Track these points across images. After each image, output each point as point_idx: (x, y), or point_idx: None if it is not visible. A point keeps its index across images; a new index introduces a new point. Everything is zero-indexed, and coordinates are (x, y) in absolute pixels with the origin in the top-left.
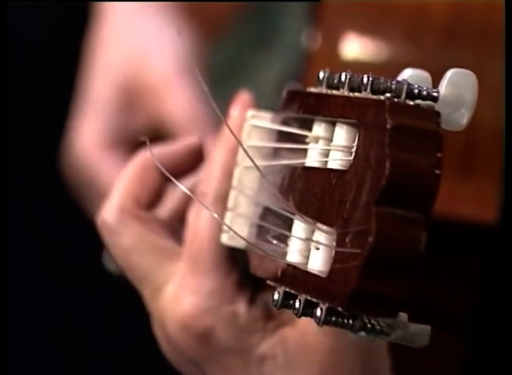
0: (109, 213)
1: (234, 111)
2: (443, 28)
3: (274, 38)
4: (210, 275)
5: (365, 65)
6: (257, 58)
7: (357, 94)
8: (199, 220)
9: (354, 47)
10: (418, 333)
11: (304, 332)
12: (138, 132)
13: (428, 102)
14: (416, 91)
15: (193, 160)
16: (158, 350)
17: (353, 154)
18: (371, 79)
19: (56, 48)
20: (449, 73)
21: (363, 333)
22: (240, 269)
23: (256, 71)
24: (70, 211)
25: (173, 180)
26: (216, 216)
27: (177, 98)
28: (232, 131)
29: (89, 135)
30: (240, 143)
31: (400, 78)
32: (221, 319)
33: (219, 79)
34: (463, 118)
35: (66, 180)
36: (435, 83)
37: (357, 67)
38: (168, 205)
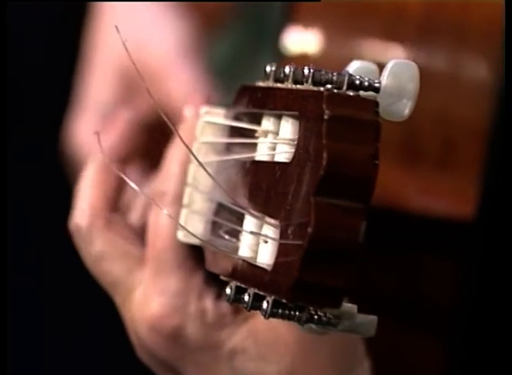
0: (81, 218)
1: (188, 111)
2: (420, 25)
3: (266, 35)
4: (175, 274)
5: (343, 63)
6: (254, 53)
7: (299, 86)
8: (159, 220)
9: (332, 45)
10: (366, 324)
11: (274, 323)
12: (141, 117)
13: (371, 93)
14: (357, 82)
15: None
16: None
17: (295, 146)
18: (312, 71)
19: (55, 47)
20: (390, 63)
21: (311, 325)
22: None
23: (255, 66)
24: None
25: (131, 184)
26: (169, 214)
27: (177, 80)
28: (180, 137)
29: (85, 131)
30: (186, 145)
31: (344, 70)
32: (189, 318)
33: (218, 74)
34: (405, 108)
35: (67, 175)
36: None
37: (334, 65)
38: (137, 209)
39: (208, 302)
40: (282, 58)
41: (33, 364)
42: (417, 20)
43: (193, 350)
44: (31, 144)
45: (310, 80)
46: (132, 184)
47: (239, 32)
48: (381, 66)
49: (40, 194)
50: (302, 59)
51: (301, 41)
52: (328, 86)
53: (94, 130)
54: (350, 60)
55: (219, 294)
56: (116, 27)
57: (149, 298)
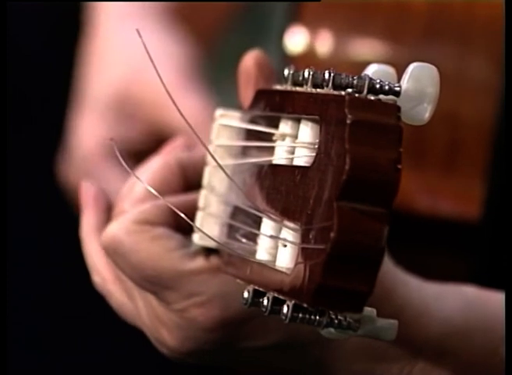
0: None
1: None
2: (425, 25)
3: (269, 35)
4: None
5: (347, 63)
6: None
7: (319, 90)
8: None
9: (336, 45)
10: (386, 328)
11: None
12: (133, 143)
13: (391, 97)
14: (378, 85)
15: None
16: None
17: (316, 150)
18: (332, 74)
19: (53, 52)
20: (411, 67)
21: (330, 329)
22: None
23: None
24: (67, 214)
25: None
26: (187, 218)
27: (181, 105)
28: (201, 140)
29: (89, 138)
30: (205, 146)
31: (363, 73)
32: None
33: (216, 79)
34: (425, 112)
35: (63, 185)
36: None
37: (338, 65)
38: None
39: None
40: (285, 59)
41: (33, 364)
42: (422, 20)
43: (246, 320)
44: (31, 146)
45: (330, 84)
46: (154, 192)
47: (242, 32)
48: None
49: (38, 200)
50: (305, 59)
51: (305, 41)
52: (349, 90)
53: (95, 140)
54: (353, 60)
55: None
56: (138, 31)
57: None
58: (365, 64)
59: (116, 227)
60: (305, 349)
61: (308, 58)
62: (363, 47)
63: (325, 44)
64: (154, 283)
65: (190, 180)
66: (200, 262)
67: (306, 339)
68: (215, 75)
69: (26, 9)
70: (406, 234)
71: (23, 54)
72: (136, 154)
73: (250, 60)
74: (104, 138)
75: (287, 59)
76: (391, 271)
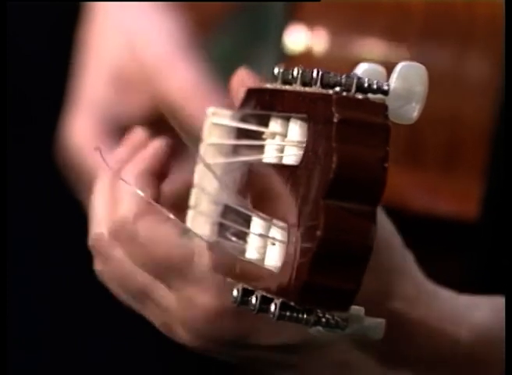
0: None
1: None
2: (425, 25)
3: (266, 34)
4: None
5: (347, 63)
6: (253, 53)
7: (307, 88)
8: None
9: (336, 45)
10: (373, 327)
11: None
12: (134, 115)
13: (379, 96)
14: (366, 84)
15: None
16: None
17: (304, 149)
18: (320, 73)
19: (53, 52)
20: (399, 66)
21: (318, 328)
22: None
23: (256, 65)
24: (68, 205)
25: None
26: (175, 217)
27: (179, 72)
28: (185, 138)
29: (81, 131)
30: (194, 148)
31: (352, 72)
32: None
33: (218, 72)
34: (413, 111)
35: (63, 174)
36: None
37: (337, 65)
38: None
39: None
40: (284, 58)
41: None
42: (422, 20)
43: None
44: (31, 145)
45: (318, 83)
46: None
47: (240, 30)
48: (386, 67)
49: (39, 193)
50: (304, 59)
51: (303, 40)
52: (337, 88)
53: (87, 132)
54: (352, 60)
55: None
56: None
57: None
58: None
59: (127, 208)
60: (323, 351)
61: (307, 57)
62: (362, 46)
63: (324, 43)
64: (164, 267)
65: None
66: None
67: (323, 341)
68: (211, 74)
69: (26, 9)
70: (404, 233)
71: (23, 54)
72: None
73: (236, 81)
74: (99, 124)
75: (286, 59)
76: (416, 280)
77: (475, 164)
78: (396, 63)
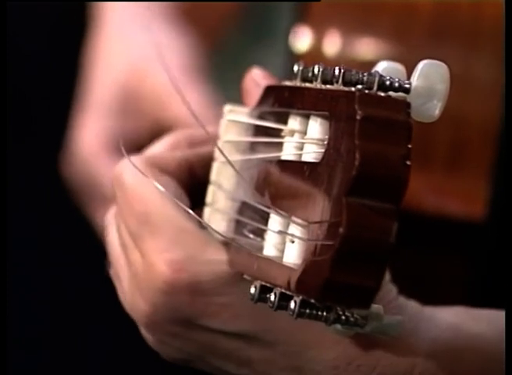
0: None
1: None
2: (431, 25)
3: (271, 35)
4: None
5: (353, 62)
6: (256, 56)
7: (329, 86)
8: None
9: (342, 45)
10: (392, 325)
11: None
12: (138, 137)
13: (401, 94)
14: (388, 82)
15: None
16: None
17: (325, 146)
18: (342, 71)
19: (55, 53)
20: (421, 64)
21: (337, 326)
22: None
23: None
24: (70, 213)
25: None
26: (193, 213)
27: (188, 97)
28: (210, 136)
29: (91, 138)
30: (214, 142)
31: (373, 70)
32: (200, 266)
33: (219, 78)
34: (435, 109)
35: (67, 183)
36: None
37: (344, 65)
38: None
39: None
40: (291, 58)
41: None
42: (428, 20)
43: (214, 294)
44: (31, 146)
45: (340, 80)
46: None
47: (246, 31)
48: None
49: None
50: (311, 59)
51: (310, 40)
52: (359, 86)
53: (96, 140)
54: (359, 60)
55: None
56: (146, 26)
57: (155, 261)
58: (371, 64)
59: (127, 161)
60: (277, 349)
61: (314, 57)
62: (369, 47)
63: (331, 43)
64: (140, 222)
65: (197, 176)
66: (191, 225)
67: (282, 335)
68: (220, 74)
69: (26, 9)
70: (411, 234)
71: (23, 54)
72: (141, 151)
73: (249, 80)
74: (106, 136)
75: (293, 59)
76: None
77: (482, 164)
78: (404, 63)
